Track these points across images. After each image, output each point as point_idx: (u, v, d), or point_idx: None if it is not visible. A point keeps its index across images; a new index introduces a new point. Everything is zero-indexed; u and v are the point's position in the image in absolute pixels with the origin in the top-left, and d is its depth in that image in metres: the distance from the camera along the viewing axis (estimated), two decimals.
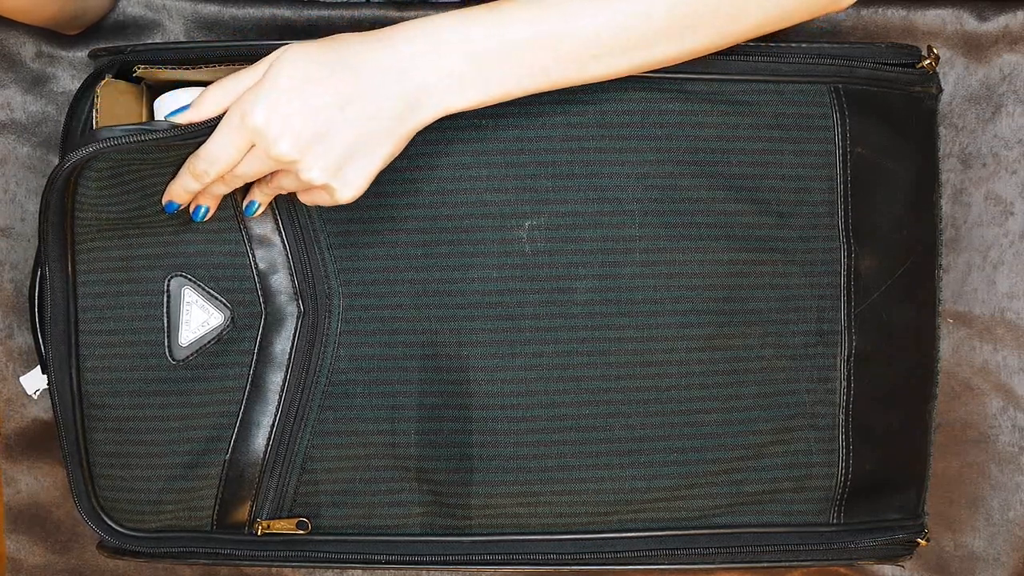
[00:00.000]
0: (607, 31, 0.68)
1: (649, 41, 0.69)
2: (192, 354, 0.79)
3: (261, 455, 0.79)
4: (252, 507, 0.81)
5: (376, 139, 0.68)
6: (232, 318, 0.79)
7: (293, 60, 0.66)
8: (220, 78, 0.87)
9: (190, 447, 0.79)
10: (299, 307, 0.78)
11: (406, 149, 0.71)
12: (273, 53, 0.68)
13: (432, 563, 0.82)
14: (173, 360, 0.79)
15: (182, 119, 0.69)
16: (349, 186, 0.69)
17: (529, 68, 0.69)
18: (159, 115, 0.88)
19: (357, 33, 0.69)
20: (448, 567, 0.82)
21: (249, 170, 0.70)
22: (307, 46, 0.67)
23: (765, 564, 0.82)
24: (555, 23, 0.67)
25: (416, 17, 0.93)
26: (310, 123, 0.66)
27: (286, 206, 0.78)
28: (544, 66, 0.69)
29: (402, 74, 0.67)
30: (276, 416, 0.79)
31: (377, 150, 0.69)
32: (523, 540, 0.81)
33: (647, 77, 0.70)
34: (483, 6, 0.68)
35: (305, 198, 0.73)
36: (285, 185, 0.72)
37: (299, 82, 0.65)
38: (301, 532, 0.81)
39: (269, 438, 0.79)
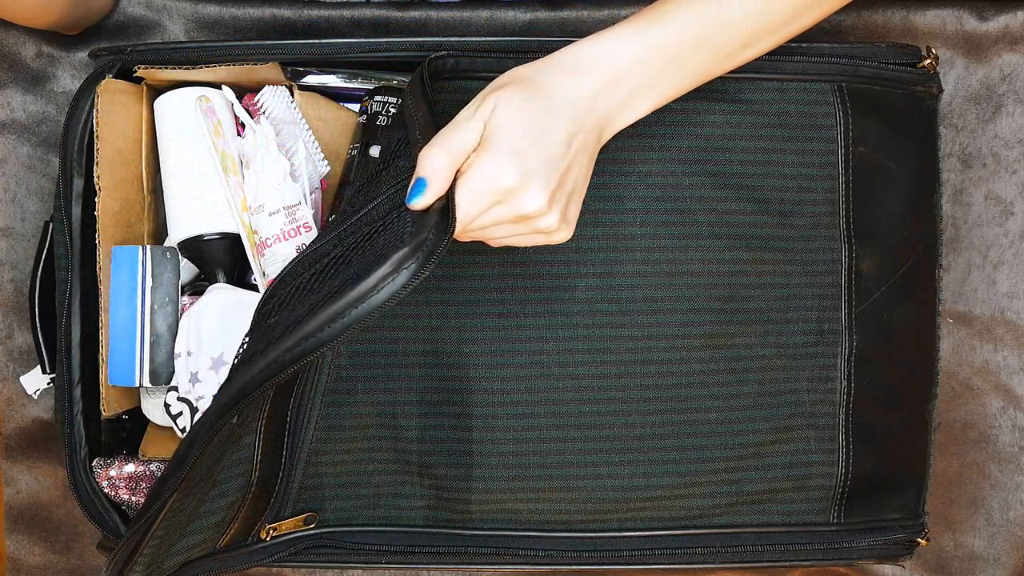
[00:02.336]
0: (757, 16, 0.69)
1: (791, 17, 0.70)
2: None
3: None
4: (265, 513, 0.81)
5: (587, 172, 0.68)
6: None
7: (511, 114, 0.64)
8: (220, 78, 0.87)
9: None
10: None
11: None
12: (479, 108, 0.65)
13: (432, 553, 0.82)
14: None
15: (425, 201, 0.64)
16: (570, 225, 0.68)
17: (693, 69, 0.69)
18: (159, 115, 0.89)
19: (533, 66, 0.68)
20: (449, 561, 0.82)
21: (487, 222, 0.67)
22: (509, 95, 0.65)
23: (765, 564, 0.82)
24: (711, 21, 0.68)
25: (417, 17, 0.94)
26: (554, 173, 0.65)
27: None
28: (703, 63, 0.69)
29: (593, 102, 0.67)
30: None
31: (586, 182, 0.69)
32: (523, 536, 0.81)
33: None
34: (642, 16, 0.69)
35: (517, 241, 0.69)
36: (500, 234, 0.68)
37: (529, 134, 0.64)
38: (310, 527, 0.81)
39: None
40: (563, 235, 0.68)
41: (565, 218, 0.67)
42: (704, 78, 0.71)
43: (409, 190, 0.64)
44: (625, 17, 0.93)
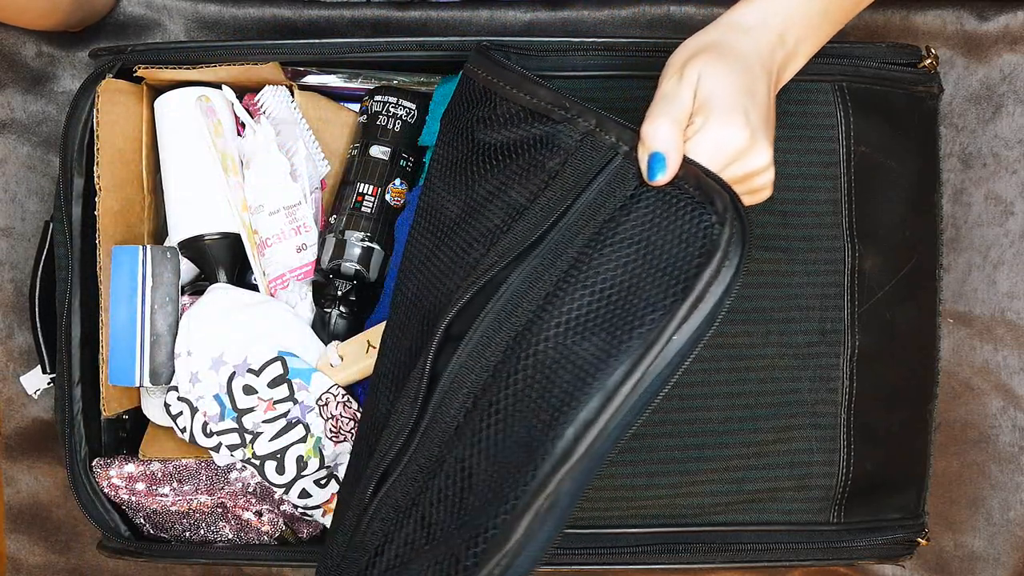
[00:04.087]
0: None
1: None
2: None
3: None
4: None
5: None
6: None
7: (722, 78, 0.64)
8: (220, 78, 0.87)
9: None
10: None
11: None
12: (681, 78, 0.64)
13: None
14: None
15: (668, 175, 0.62)
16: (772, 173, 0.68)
17: (833, 21, 0.70)
18: (159, 115, 0.89)
19: (711, 33, 0.67)
20: None
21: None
22: (711, 61, 0.64)
23: (765, 563, 0.82)
24: None
25: (417, 17, 0.94)
26: (769, 129, 0.65)
27: None
28: (842, 11, 0.70)
29: (772, 57, 0.67)
30: None
31: None
32: None
33: (651, 75, 0.70)
34: None
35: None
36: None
37: (745, 95, 0.64)
38: None
39: None
40: (769, 191, 0.67)
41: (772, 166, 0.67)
42: (837, 28, 0.71)
43: (646, 168, 0.62)
44: (625, 17, 0.93)
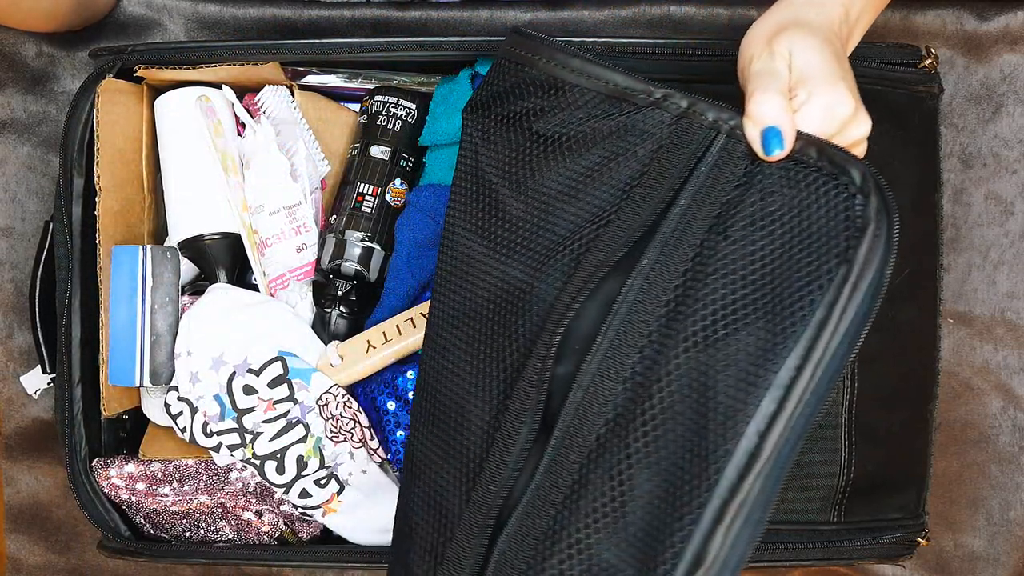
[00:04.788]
0: None
1: None
2: None
3: None
4: None
5: None
6: None
7: (815, 51, 0.63)
8: (220, 78, 0.87)
9: None
10: None
11: None
12: (772, 54, 0.63)
13: None
14: None
15: (786, 148, 0.60)
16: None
17: None
18: (160, 115, 0.89)
19: (784, 10, 0.66)
20: None
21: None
22: (799, 36, 0.63)
23: (766, 563, 0.82)
24: None
25: (417, 17, 0.94)
26: (859, 97, 0.63)
27: None
28: None
29: (841, 30, 0.67)
30: None
31: None
32: None
33: (651, 75, 0.70)
34: None
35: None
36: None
37: (840, 65, 0.63)
38: None
39: None
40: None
41: None
42: (881, 10, 0.71)
43: (760, 145, 0.60)
44: (625, 17, 0.93)
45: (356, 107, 0.93)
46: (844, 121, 0.62)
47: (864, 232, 0.57)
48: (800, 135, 0.60)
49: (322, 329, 0.87)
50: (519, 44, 0.70)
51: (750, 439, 0.56)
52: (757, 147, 0.61)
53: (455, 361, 0.69)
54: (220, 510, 0.87)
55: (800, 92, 0.61)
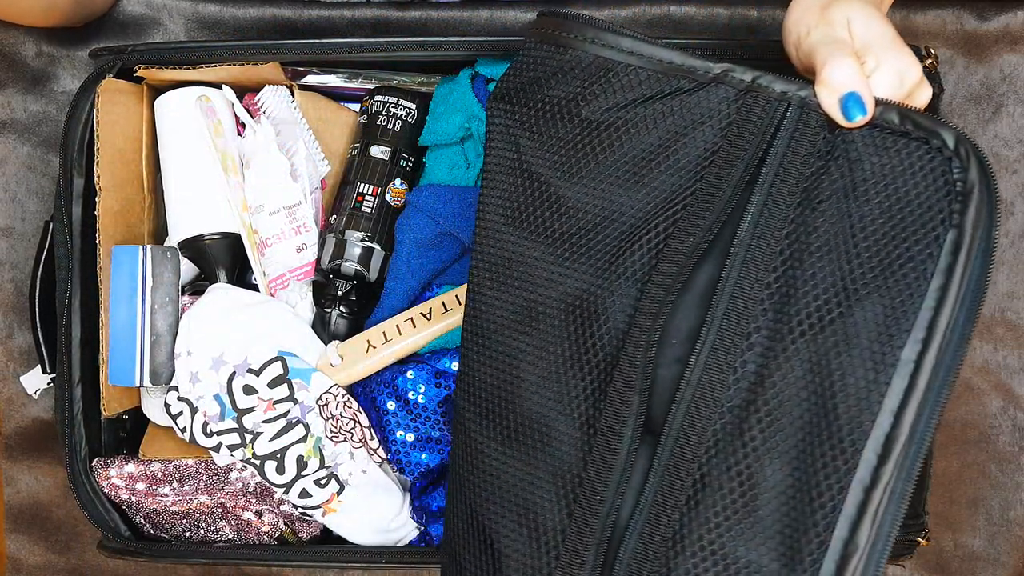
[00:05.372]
0: None
1: None
2: None
3: None
4: None
5: None
6: None
7: (874, 19, 0.61)
8: (220, 78, 0.87)
9: None
10: None
11: None
12: (830, 23, 0.61)
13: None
14: None
15: (868, 112, 0.59)
16: None
17: None
18: (160, 115, 0.89)
19: None
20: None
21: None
22: (854, 5, 0.62)
23: None
24: None
25: (417, 17, 0.94)
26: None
27: None
28: None
29: (878, 3, 0.66)
30: None
31: None
32: None
33: None
34: None
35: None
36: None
37: (896, 33, 0.61)
38: None
39: None
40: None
41: None
42: None
43: (840, 112, 0.58)
44: (625, 17, 0.93)
45: (356, 107, 0.93)
46: (913, 86, 0.61)
47: (970, 195, 0.55)
48: (878, 100, 0.59)
49: (322, 329, 0.87)
50: (557, 25, 0.66)
51: (886, 418, 0.55)
52: (836, 114, 0.59)
53: (528, 369, 0.64)
54: (220, 510, 0.87)
55: (868, 59, 0.60)
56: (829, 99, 0.59)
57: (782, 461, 0.57)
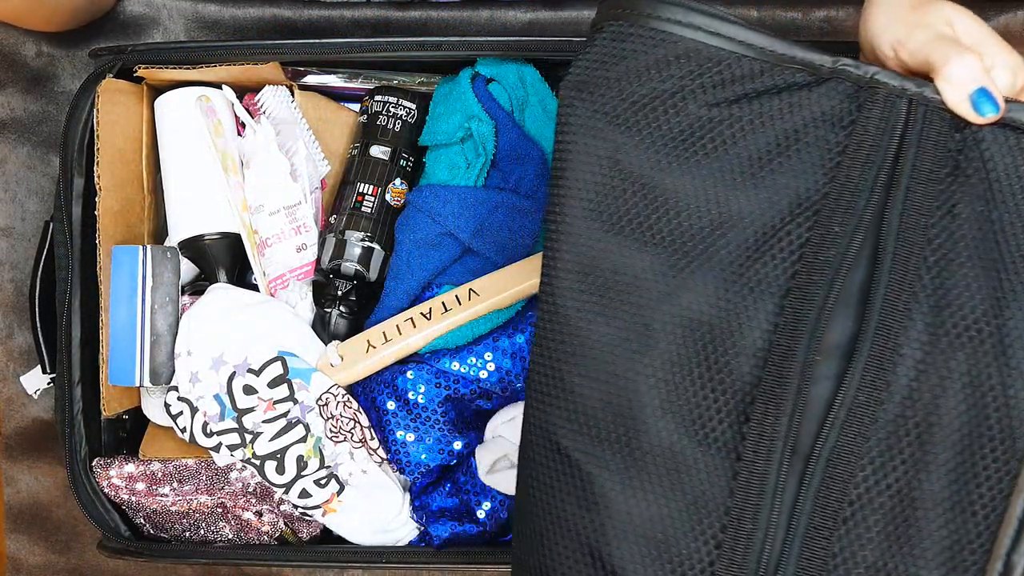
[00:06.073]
0: None
1: None
2: None
3: None
4: None
5: None
6: None
7: (972, 19, 0.60)
8: (220, 78, 0.87)
9: None
10: None
11: None
12: (932, 25, 0.60)
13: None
14: None
15: (1000, 109, 0.57)
16: None
17: None
18: (160, 115, 0.89)
19: None
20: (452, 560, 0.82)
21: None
22: (949, 7, 0.61)
23: None
24: None
25: (417, 17, 0.94)
26: None
27: None
28: None
29: None
30: None
31: None
32: None
33: None
34: None
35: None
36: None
37: (987, 24, 0.61)
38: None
39: None
40: None
41: None
42: None
43: (970, 108, 0.56)
44: None
45: (356, 107, 0.93)
46: (1023, 86, 0.60)
47: None
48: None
49: (322, 329, 0.87)
50: (651, 6, 0.60)
51: None
52: (966, 111, 0.57)
53: (649, 393, 0.58)
54: (220, 510, 0.87)
55: (984, 58, 0.59)
56: (956, 96, 0.57)
57: (939, 475, 0.55)
